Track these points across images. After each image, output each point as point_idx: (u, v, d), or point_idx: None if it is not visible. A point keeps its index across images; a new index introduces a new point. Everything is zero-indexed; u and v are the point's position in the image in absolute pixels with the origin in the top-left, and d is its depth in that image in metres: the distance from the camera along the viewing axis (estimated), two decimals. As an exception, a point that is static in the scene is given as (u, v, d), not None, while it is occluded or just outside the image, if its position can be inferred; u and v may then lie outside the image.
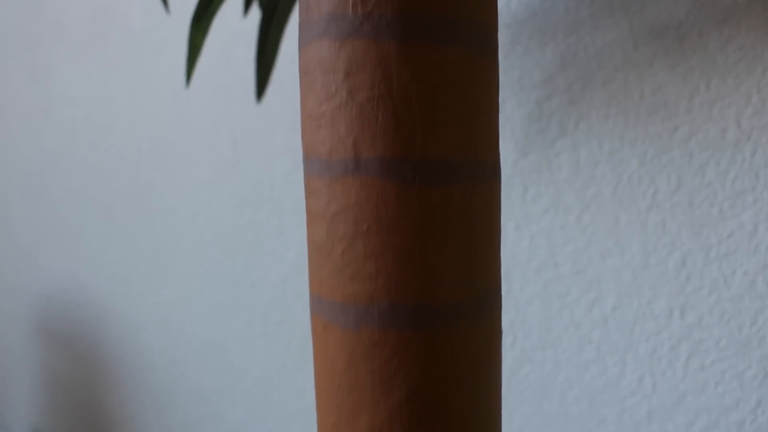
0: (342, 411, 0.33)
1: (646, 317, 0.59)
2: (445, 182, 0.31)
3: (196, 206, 0.98)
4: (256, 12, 0.86)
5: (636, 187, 0.58)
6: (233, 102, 0.90)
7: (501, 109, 0.64)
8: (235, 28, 0.88)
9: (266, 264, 0.90)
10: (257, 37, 0.65)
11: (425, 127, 0.31)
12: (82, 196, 1.21)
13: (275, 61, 0.61)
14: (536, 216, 0.63)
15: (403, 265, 0.31)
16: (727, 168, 0.54)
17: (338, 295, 0.32)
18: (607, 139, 0.59)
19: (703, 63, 0.54)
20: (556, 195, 0.62)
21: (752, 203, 0.54)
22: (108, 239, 1.16)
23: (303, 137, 0.34)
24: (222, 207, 0.94)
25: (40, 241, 1.37)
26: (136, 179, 1.08)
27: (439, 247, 0.32)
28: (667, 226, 0.57)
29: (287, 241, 0.86)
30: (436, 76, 0.31)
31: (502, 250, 0.65)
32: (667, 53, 0.56)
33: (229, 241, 0.94)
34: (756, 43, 0.52)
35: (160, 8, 0.99)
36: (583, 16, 0.59)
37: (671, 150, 0.56)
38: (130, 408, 1.17)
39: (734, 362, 0.56)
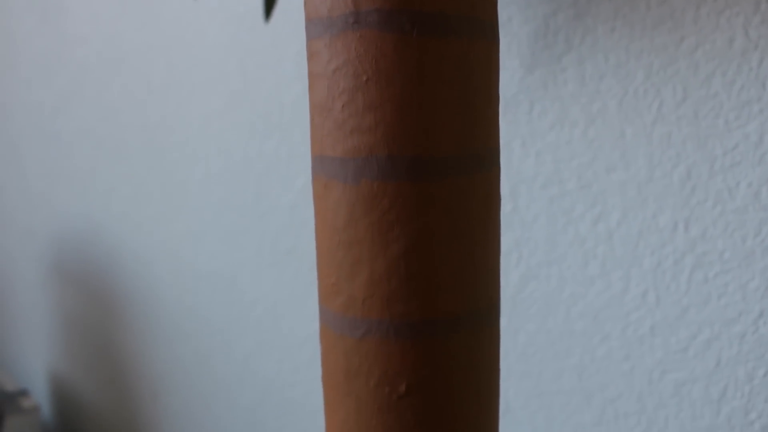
0: (341, 269, 0.34)
1: (650, 231, 0.59)
2: (443, 34, 0.32)
3: (205, 138, 0.98)
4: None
5: (641, 99, 0.58)
6: (243, 32, 0.90)
7: (507, 27, 0.64)
8: (245, -40, 0.88)
9: (275, 193, 0.90)
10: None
11: (423, -22, 0.32)
12: (94, 136, 1.22)
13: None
14: (542, 132, 0.64)
15: (402, 116, 0.32)
16: (733, 78, 0.54)
17: (338, 150, 0.33)
18: (612, 53, 0.59)
19: (711, -29, 0.54)
20: (562, 110, 0.62)
21: (758, 113, 0.54)
22: (119, 176, 1.17)
23: (305, 2, 0.35)
24: (231, 137, 0.94)
25: (53, 183, 1.39)
26: (147, 115, 1.09)
27: (435, 99, 0.32)
28: (672, 138, 0.57)
29: (296, 168, 0.87)
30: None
31: (507, 168, 0.66)
32: (674, -38, 0.55)
33: (238, 172, 0.94)
34: (764, -51, 0.52)
35: (170, -57, 0.99)
36: (591, -72, 0.59)
37: (677, 61, 0.56)
38: (143, 343, 1.19)
39: (738, 274, 0.56)
